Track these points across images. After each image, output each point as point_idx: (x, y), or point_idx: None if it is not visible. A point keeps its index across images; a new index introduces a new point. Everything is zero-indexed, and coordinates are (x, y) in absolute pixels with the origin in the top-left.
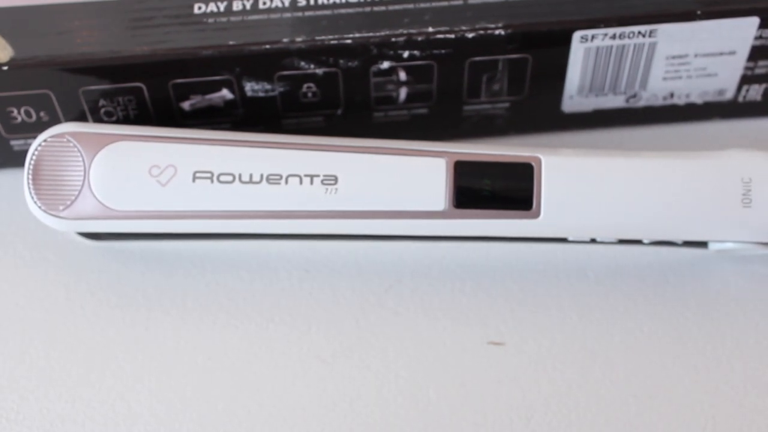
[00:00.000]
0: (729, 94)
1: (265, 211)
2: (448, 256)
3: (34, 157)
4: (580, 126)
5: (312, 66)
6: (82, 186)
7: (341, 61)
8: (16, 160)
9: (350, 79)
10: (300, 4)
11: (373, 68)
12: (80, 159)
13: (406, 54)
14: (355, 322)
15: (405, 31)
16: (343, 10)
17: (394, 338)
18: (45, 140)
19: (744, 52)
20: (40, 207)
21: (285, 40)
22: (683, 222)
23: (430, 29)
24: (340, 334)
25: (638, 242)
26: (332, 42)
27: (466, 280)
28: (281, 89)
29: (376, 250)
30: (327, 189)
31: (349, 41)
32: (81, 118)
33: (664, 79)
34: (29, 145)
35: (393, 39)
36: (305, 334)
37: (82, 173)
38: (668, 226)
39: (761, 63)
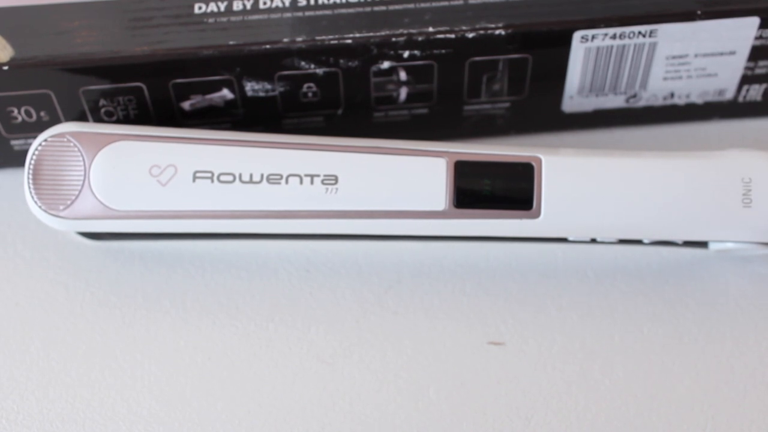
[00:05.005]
0: (729, 94)
1: (265, 211)
2: (448, 256)
3: (34, 157)
4: (580, 126)
5: (312, 66)
6: (83, 186)
7: (341, 61)
8: (17, 159)
9: (350, 79)
10: (300, 4)
11: (374, 68)
12: (80, 159)
13: (406, 54)
14: (355, 322)
15: (405, 31)
16: (343, 10)
17: (394, 338)
18: (45, 140)
19: (744, 52)
20: (40, 207)
21: (285, 40)
22: (683, 222)
23: (431, 29)
24: (340, 334)
25: (638, 242)
26: (332, 42)
27: (466, 280)
28: (281, 89)
29: (376, 250)
30: (327, 189)
31: (349, 41)
32: (81, 117)
33: (664, 79)
34: (29, 144)
35: (393, 39)
36: (305, 334)
37: (83, 173)
38: (668, 226)
39: (761, 63)
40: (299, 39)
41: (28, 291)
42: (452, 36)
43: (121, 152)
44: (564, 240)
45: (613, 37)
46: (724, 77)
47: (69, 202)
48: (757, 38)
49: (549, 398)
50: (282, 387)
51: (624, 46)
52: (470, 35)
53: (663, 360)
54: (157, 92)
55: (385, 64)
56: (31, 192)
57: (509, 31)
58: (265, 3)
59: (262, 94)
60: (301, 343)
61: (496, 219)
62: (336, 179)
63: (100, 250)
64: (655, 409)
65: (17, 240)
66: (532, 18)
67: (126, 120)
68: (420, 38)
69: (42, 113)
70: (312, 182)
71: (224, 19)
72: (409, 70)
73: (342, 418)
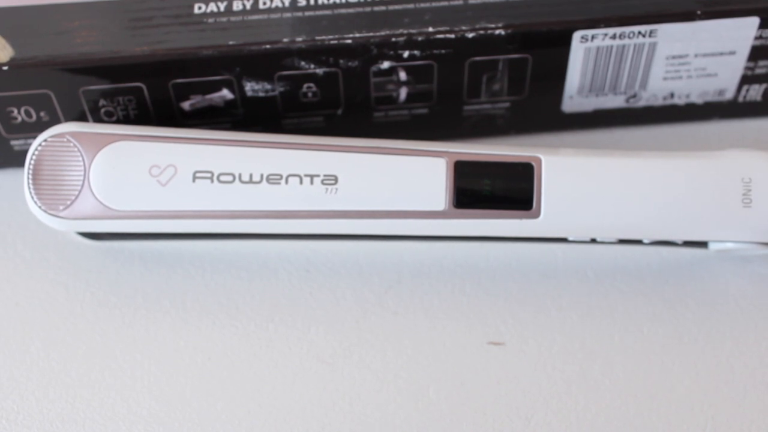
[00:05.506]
0: (729, 94)
1: (265, 211)
2: (448, 256)
3: (34, 157)
4: (580, 126)
5: (312, 66)
6: (82, 186)
7: (341, 61)
8: (17, 160)
9: (350, 79)
10: (300, 4)
11: (374, 68)
12: (80, 159)
13: (406, 54)
14: (355, 322)
15: (405, 31)
16: (343, 10)
17: (394, 338)
18: (45, 140)
19: (744, 52)
20: (40, 207)
21: (285, 40)
22: (683, 222)
23: (431, 29)
24: (340, 334)
25: (638, 242)
26: (332, 42)
27: (466, 280)
28: (281, 89)
29: (376, 250)
30: (327, 189)
31: (349, 41)
32: (81, 118)
33: (664, 79)
34: (29, 145)
35: (393, 39)
36: (305, 334)
37: (82, 173)
38: (668, 226)
39: (761, 63)
40: (299, 39)
41: (28, 291)
42: (452, 36)
43: (121, 152)
44: (564, 240)
45: (613, 37)
46: (724, 77)
47: (69, 202)
48: (757, 38)
49: (549, 398)
50: (282, 387)
51: (624, 46)
52: (470, 35)
53: (663, 360)
54: (157, 92)
55: (385, 64)
56: (31, 192)
57: (509, 31)
58: (265, 3)
59: (262, 94)
60: (301, 343)
61: (496, 219)
62: (336, 179)
63: (100, 250)
64: (655, 409)
65: (17, 240)
66: (532, 18)
67: (126, 120)
68: (420, 38)
69: (42, 113)
70: (312, 182)
71: (224, 19)
72: (409, 70)
73: (342, 418)
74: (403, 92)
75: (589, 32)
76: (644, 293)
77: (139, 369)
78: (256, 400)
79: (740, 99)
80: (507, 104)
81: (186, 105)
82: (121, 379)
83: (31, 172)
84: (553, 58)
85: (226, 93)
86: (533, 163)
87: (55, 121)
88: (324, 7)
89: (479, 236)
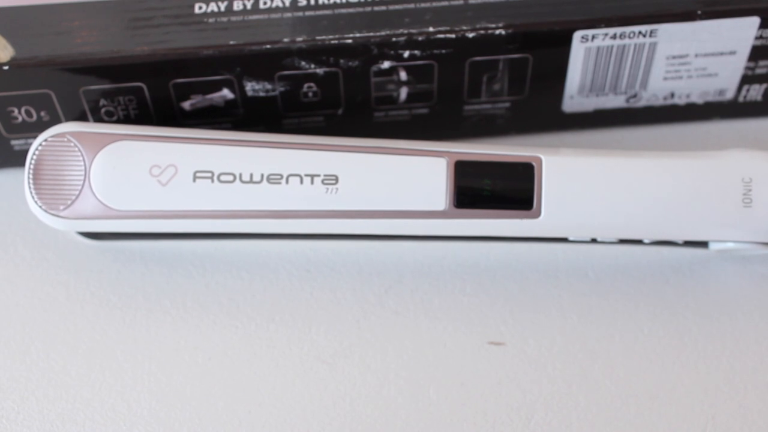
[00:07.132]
0: (729, 94)
1: (266, 211)
2: (448, 256)
3: (34, 157)
4: (581, 126)
5: (312, 66)
6: (83, 186)
7: (342, 61)
8: (17, 159)
9: (351, 79)
10: (300, 4)
11: (374, 68)
12: (81, 159)
13: (406, 54)
14: (356, 322)
15: (405, 31)
16: (343, 10)
17: (394, 338)
18: (45, 140)
19: (744, 52)
20: (40, 207)
21: (285, 39)
22: (684, 222)
23: (431, 29)
24: (341, 334)
25: (639, 242)
26: (333, 42)
27: (466, 280)
28: (282, 89)
29: (376, 250)
30: (327, 189)
31: (349, 41)
32: (81, 117)
33: (665, 79)
34: (30, 144)
35: (393, 39)
36: (305, 334)
37: (83, 173)
38: (669, 226)
39: (761, 63)
40: (299, 39)
41: (28, 291)
42: (452, 36)
43: (122, 152)
44: (564, 240)
45: (613, 37)
46: (725, 77)
47: (69, 202)
48: (757, 38)
49: (549, 398)
50: (282, 387)
51: (624, 46)
52: (470, 35)
53: (663, 360)
54: (158, 92)
55: (386, 64)
56: (31, 192)
57: (509, 31)
58: (265, 3)
59: (262, 94)
60: (302, 343)
61: (496, 219)
62: (336, 179)
63: (100, 250)
64: (655, 409)
65: (17, 240)
66: (532, 18)
67: (126, 120)
68: (420, 38)
69: (42, 113)
70: (312, 182)
71: (224, 19)
72: (409, 70)
73: (342, 418)
74: (404, 92)
75: (590, 32)
76: (644, 293)
77: (139, 369)
78: (257, 400)
79: (740, 99)
80: (507, 104)
81: (186, 105)
82: (121, 379)
83: (31, 171)
84: (554, 58)
85: (226, 93)
86: (533, 163)
87: (55, 120)
88: (324, 7)
89: (479, 236)
